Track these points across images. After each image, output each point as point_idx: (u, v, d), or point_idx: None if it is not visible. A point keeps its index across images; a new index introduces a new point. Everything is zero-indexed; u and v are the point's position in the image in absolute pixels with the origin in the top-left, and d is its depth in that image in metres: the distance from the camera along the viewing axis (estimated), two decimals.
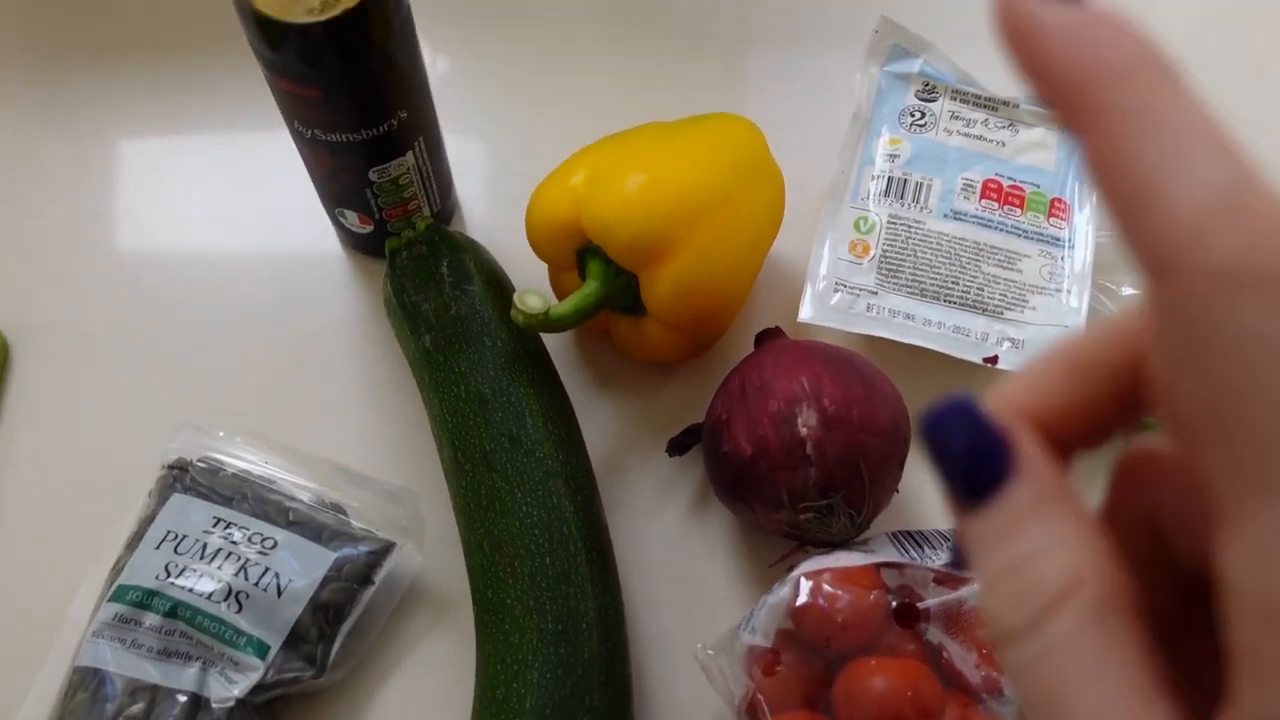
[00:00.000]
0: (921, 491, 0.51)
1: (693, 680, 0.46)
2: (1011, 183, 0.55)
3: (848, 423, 0.44)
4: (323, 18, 0.42)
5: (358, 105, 0.47)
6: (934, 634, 0.42)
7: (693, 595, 0.50)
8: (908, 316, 0.52)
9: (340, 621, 0.46)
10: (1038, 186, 0.55)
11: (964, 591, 0.44)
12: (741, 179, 0.51)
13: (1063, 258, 0.53)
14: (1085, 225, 0.54)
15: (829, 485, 0.44)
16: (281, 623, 0.45)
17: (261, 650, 0.45)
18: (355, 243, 0.58)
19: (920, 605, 0.43)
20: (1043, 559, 0.17)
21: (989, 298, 0.52)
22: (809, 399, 0.45)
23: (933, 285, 0.53)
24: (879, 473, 0.45)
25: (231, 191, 0.62)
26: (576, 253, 0.51)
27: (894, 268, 0.53)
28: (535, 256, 0.52)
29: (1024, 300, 0.52)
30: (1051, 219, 0.54)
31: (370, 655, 0.48)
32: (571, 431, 0.49)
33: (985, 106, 0.57)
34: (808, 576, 0.43)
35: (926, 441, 0.19)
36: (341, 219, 0.55)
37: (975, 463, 0.18)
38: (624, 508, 0.52)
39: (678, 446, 0.51)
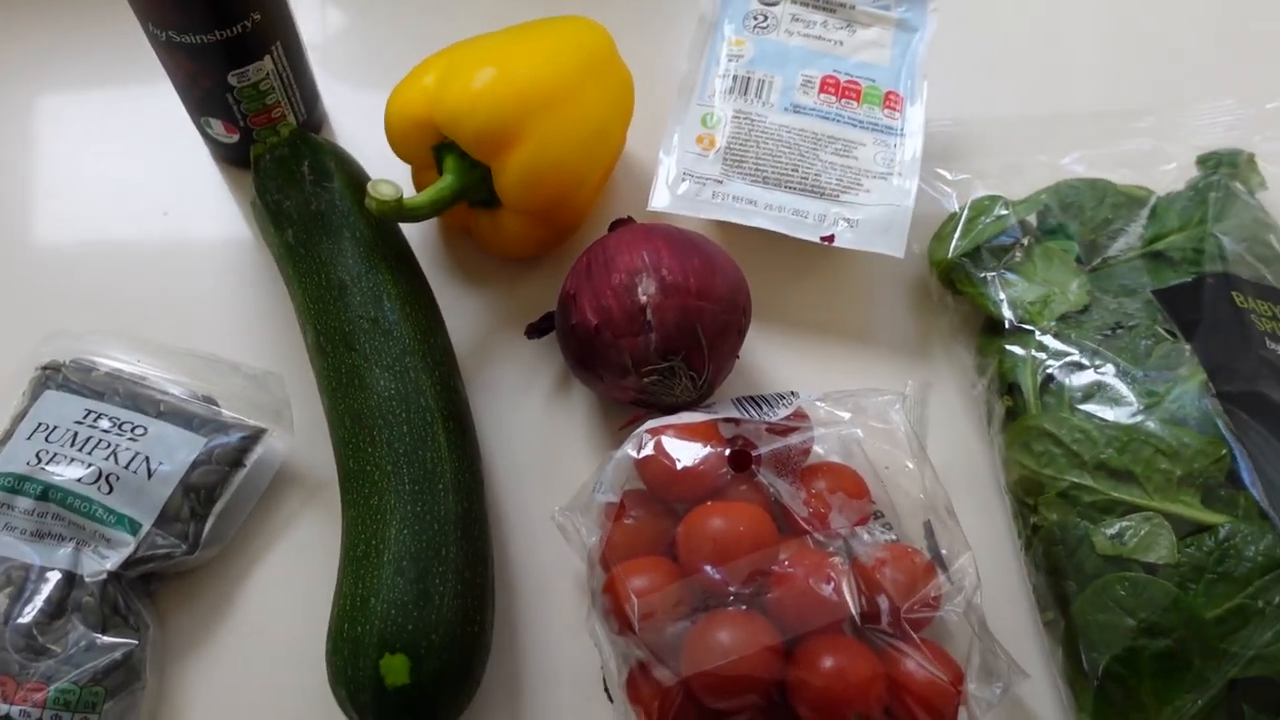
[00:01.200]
0: (762, 361, 0.55)
1: (553, 544, 0.48)
2: (849, 78, 0.58)
3: (685, 290, 0.47)
4: None
5: (207, 2, 0.48)
6: (766, 476, 0.46)
7: (553, 468, 0.52)
8: (750, 202, 0.55)
9: (212, 502, 0.49)
10: (873, 81, 0.58)
11: (794, 439, 0.47)
12: (586, 74, 0.54)
13: (896, 145, 0.57)
14: (917, 116, 0.58)
15: (669, 348, 0.47)
16: (152, 502, 0.47)
17: (133, 528, 0.46)
18: (224, 154, 0.59)
19: (754, 453, 0.46)
20: None
21: (826, 182, 0.55)
22: (649, 270, 0.48)
23: (774, 172, 0.56)
24: (717, 338, 0.48)
25: (104, 116, 0.63)
26: (434, 150, 0.53)
27: (738, 158, 0.56)
28: (402, 163, 0.54)
29: (859, 184, 0.55)
30: (886, 110, 0.58)
31: (244, 533, 0.50)
32: (430, 315, 0.51)
33: (824, 9, 0.60)
34: (651, 433, 0.46)
35: None
36: (208, 129, 0.57)
37: None
38: (488, 392, 0.54)
39: (536, 330, 0.54)
